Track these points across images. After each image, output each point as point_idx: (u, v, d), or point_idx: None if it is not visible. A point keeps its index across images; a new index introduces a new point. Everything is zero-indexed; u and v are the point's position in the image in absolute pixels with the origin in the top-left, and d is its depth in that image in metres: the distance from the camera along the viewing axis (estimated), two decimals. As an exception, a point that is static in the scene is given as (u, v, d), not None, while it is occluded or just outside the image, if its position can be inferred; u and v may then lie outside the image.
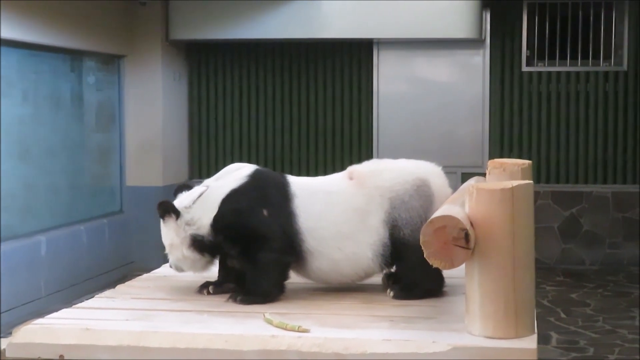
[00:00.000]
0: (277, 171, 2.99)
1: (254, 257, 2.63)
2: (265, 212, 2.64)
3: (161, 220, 2.71)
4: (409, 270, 2.61)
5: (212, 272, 2.78)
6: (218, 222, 2.64)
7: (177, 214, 2.67)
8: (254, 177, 2.70)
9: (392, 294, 2.64)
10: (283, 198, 2.66)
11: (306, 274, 2.70)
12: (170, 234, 2.68)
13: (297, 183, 2.72)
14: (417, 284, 2.62)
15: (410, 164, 2.74)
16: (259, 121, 9.28)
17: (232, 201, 2.65)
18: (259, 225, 2.63)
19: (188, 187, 2.78)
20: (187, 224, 2.66)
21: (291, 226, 2.63)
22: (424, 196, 2.63)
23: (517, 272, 2.12)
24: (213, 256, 2.72)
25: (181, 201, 2.70)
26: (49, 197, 7.54)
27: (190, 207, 2.67)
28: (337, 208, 2.65)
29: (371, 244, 2.62)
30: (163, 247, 2.77)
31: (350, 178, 2.71)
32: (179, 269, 2.75)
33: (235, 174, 2.72)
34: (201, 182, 2.81)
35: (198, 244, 2.67)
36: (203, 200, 2.68)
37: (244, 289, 2.64)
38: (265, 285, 2.61)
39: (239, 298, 2.60)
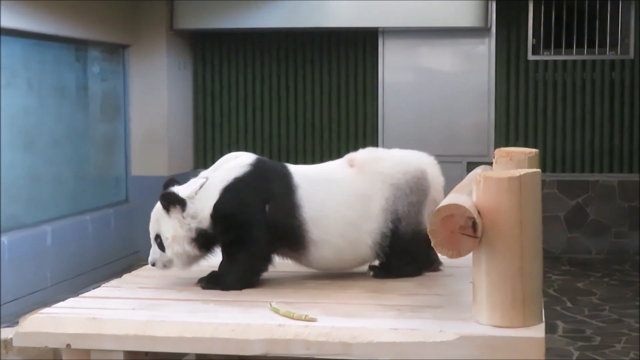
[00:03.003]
0: (282, 160, 2.99)
1: (234, 252, 2.63)
2: (267, 208, 2.62)
3: (164, 211, 2.64)
4: (396, 258, 2.69)
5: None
6: (218, 210, 2.61)
7: (183, 205, 2.62)
8: (256, 166, 2.67)
9: (371, 273, 2.74)
10: (287, 189, 2.65)
11: (308, 262, 2.72)
12: (175, 226, 2.63)
13: (299, 172, 2.71)
14: (398, 267, 2.72)
15: (408, 154, 2.80)
16: (264, 110, 9.26)
17: (235, 190, 2.62)
18: (254, 225, 2.61)
19: (177, 181, 2.75)
20: (192, 216, 2.63)
21: (295, 218, 2.63)
22: (421, 189, 2.70)
23: (524, 261, 2.11)
24: (209, 251, 2.70)
25: (182, 192, 2.66)
26: (54, 187, 7.54)
27: (193, 198, 2.64)
28: (339, 195, 2.67)
29: (370, 232, 2.67)
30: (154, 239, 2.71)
31: (351, 165, 2.74)
32: (167, 264, 2.69)
33: (235, 162, 2.69)
34: (200, 172, 2.79)
35: (200, 238, 2.64)
36: (204, 192, 2.65)
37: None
38: (230, 280, 2.63)
39: (202, 283, 2.66)
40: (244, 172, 2.65)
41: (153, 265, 2.72)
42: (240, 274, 2.63)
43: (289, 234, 2.64)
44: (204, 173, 2.74)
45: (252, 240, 2.61)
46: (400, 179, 2.68)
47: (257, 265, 2.66)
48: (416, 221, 2.70)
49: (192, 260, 2.69)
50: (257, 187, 2.63)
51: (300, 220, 2.63)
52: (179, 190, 2.68)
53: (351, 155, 2.78)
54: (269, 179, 2.65)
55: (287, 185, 2.65)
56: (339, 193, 2.67)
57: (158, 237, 2.68)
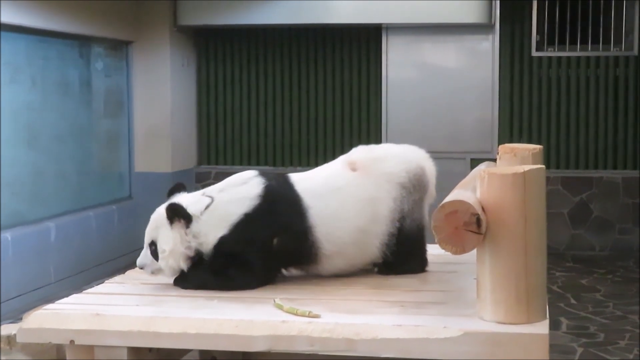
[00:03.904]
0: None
1: (227, 275, 2.59)
2: (275, 241, 2.61)
3: (166, 221, 2.58)
4: (401, 254, 2.71)
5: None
6: (225, 245, 2.58)
7: (188, 221, 2.58)
8: (266, 198, 2.62)
9: (376, 269, 2.76)
10: (298, 215, 2.62)
11: (317, 272, 2.71)
12: (175, 240, 2.57)
13: (307, 190, 2.66)
14: (403, 264, 2.74)
15: (405, 150, 2.83)
16: (267, 107, 9.26)
17: (245, 228, 2.58)
18: (258, 259, 2.59)
19: (183, 187, 2.71)
20: (194, 235, 2.58)
21: (308, 239, 2.62)
22: (422, 185, 2.74)
23: (528, 257, 2.11)
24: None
25: (186, 207, 2.60)
26: (58, 183, 7.55)
27: (198, 217, 2.59)
28: (348, 204, 2.66)
29: (379, 234, 2.68)
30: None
31: (353, 169, 2.72)
32: (156, 272, 2.64)
33: (244, 191, 2.63)
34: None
35: (196, 259, 2.60)
36: (210, 214, 2.60)
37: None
38: (195, 283, 2.60)
39: (176, 279, 2.63)
40: (253, 206, 2.60)
41: (141, 268, 2.66)
42: (208, 287, 2.59)
43: (300, 256, 2.65)
44: (209, 191, 2.67)
45: (248, 272, 2.60)
46: (405, 177, 2.71)
47: (240, 287, 2.60)
48: (419, 217, 2.74)
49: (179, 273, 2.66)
50: (267, 223, 2.60)
51: (312, 239, 2.62)
52: (186, 203, 2.61)
53: (350, 158, 2.76)
54: (278, 211, 2.62)
55: (298, 210, 2.63)
56: (348, 201, 2.66)
57: (153, 245, 2.62)
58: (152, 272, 2.65)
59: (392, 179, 2.69)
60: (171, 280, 2.67)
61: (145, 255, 2.64)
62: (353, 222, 2.65)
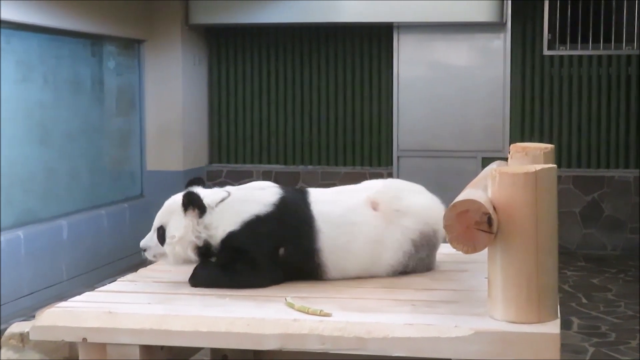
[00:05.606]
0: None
1: (238, 265, 2.61)
2: (281, 251, 2.63)
3: (181, 208, 2.61)
4: None
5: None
6: (231, 240, 2.60)
7: (202, 212, 2.61)
8: (279, 207, 2.65)
9: None
10: (308, 234, 2.64)
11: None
12: (187, 228, 2.60)
13: (322, 214, 2.67)
14: None
15: (427, 207, 2.79)
16: (279, 105, 9.27)
17: (254, 228, 2.61)
18: (264, 259, 2.61)
19: (202, 181, 2.75)
20: (205, 226, 2.61)
21: (314, 261, 2.65)
22: (431, 246, 2.76)
23: (540, 256, 2.11)
24: (205, 258, 2.67)
25: (203, 198, 2.64)
26: (70, 182, 7.58)
27: (212, 209, 2.62)
28: (360, 240, 2.67)
29: (380, 273, 2.71)
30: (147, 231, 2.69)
31: (374, 209, 2.73)
32: (158, 257, 2.67)
33: (260, 195, 2.67)
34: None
35: (203, 250, 2.62)
36: (224, 208, 2.63)
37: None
38: (204, 280, 2.62)
39: (190, 278, 2.64)
40: (265, 211, 2.63)
41: (144, 251, 2.69)
42: (218, 283, 2.60)
43: (305, 274, 2.67)
44: (228, 188, 2.73)
45: (254, 270, 2.61)
46: (418, 236, 2.72)
47: (247, 286, 2.62)
48: (421, 270, 2.77)
49: (185, 262, 2.67)
50: (274, 231, 2.62)
51: (318, 262, 2.65)
52: (203, 195, 2.65)
53: (375, 198, 2.75)
54: (287, 223, 2.64)
55: (308, 230, 2.64)
56: (360, 237, 2.67)
57: (162, 229, 2.65)
58: (154, 256, 2.68)
59: (407, 233, 2.71)
60: (176, 275, 2.70)
61: (150, 238, 2.68)
62: (359, 259, 2.68)
